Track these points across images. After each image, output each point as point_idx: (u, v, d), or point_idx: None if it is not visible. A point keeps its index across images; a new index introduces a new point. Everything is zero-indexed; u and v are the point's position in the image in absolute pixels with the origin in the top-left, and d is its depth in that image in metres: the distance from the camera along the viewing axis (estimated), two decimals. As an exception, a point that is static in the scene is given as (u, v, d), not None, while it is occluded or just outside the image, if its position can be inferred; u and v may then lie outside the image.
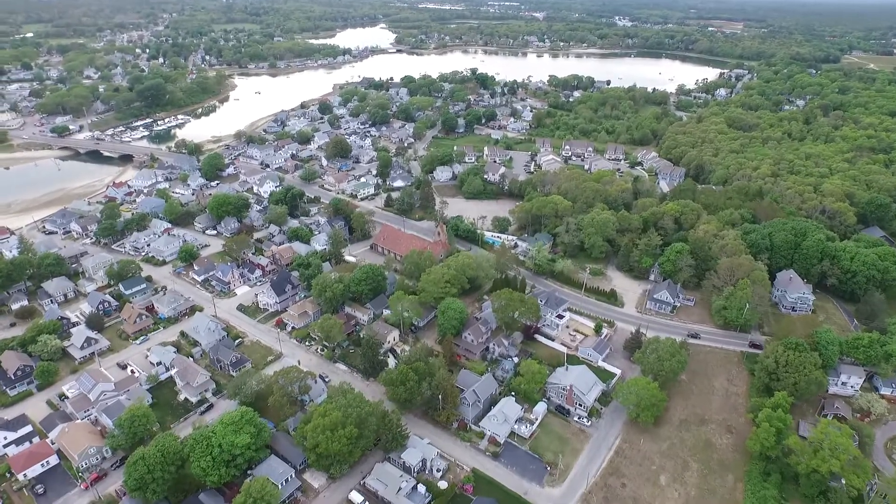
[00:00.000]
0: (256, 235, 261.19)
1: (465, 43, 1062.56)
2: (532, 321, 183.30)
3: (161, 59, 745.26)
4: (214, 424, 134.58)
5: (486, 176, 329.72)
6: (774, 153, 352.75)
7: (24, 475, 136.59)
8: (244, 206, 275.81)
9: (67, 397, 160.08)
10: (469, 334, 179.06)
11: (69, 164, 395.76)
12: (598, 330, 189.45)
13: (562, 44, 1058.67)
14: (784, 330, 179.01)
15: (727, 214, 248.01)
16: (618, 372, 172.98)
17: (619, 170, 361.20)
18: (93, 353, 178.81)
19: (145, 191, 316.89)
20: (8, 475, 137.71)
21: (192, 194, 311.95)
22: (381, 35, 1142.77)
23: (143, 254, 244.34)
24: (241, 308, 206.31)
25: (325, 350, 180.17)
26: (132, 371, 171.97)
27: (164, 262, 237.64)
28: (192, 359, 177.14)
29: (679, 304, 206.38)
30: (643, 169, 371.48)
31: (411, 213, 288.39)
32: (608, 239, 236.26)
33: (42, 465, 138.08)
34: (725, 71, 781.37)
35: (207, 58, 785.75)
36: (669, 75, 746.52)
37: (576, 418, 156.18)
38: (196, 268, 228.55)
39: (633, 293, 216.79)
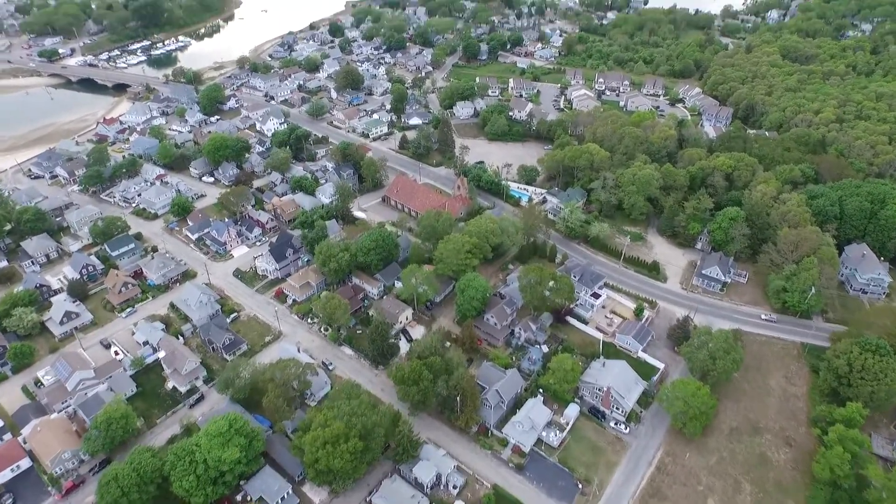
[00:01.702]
0: (257, 183, 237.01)
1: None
2: (564, 302, 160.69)
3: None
4: (199, 435, 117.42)
5: (511, 113, 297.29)
6: (838, 92, 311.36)
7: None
8: (244, 150, 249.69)
9: (43, 384, 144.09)
10: (492, 316, 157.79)
11: (61, 94, 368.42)
12: (638, 313, 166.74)
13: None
14: (857, 320, 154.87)
15: (786, 171, 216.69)
16: (660, 366, 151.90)
17: (658, 108, 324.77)
18: (74, 329, 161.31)
19: (139, 128, 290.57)
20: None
21: (190, 131, 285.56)
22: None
23: (134, 205, 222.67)
24: (238, 274, 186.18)
25: (330, 331, 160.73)
26: (116, 352, 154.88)
27: (155, 216, 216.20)
28: (181, 338, 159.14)
29: (730, 281, 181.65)
30: (685, 107, 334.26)
31: (428, 157, 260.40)
32: (650, 197, 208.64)
33: (12, 470, 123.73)
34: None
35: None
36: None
37: (612, 424, 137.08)
38: (190, 223, 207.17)
39: (677, 265, 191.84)
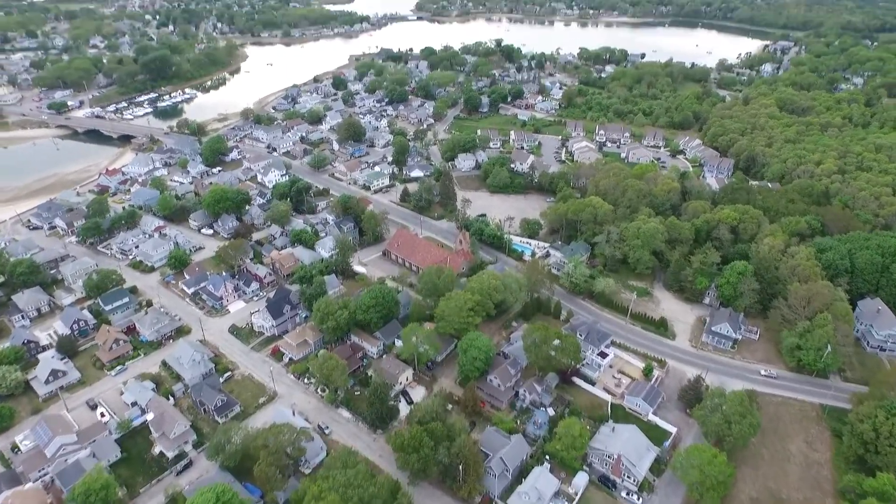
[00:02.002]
0: (256, 236, 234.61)
1: (488, 10, 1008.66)
2: (570, 362, 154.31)
3: (171, 27, 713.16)
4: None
5: (512, 166, 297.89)
6: (837, 143, 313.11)
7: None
8: (244, 202, 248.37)
9: (20, 450, 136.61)
10: (495, 377, 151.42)
11: (67, 144, 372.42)
12: (647, 373, 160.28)
13: (591, 12, 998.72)
14: (878, 380, 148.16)
15: (792, 223, 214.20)
16: (673, 430, 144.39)
17: (659, 160, 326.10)
18: (59, 388, 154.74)
19: (140, 179, 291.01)
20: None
21: (191, 183, 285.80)
22: (401, 0, 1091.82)
23: (131, 257, 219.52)
24: (234, 330, 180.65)
25: (327, 392, 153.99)
26: (102, 414, 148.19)
27: (152, 269, 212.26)
28: (172, 399, 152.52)
29: (741, 338, 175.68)
30: (686, 158, 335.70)
31: (429, 210, 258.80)
32: (655, 251, 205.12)
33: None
34: (769, 43, 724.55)
35: (219, 25, 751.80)
36: (707, 48, 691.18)
37: (624, 493, 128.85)
38: (186, 277, 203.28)
39: (685, 321, 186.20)
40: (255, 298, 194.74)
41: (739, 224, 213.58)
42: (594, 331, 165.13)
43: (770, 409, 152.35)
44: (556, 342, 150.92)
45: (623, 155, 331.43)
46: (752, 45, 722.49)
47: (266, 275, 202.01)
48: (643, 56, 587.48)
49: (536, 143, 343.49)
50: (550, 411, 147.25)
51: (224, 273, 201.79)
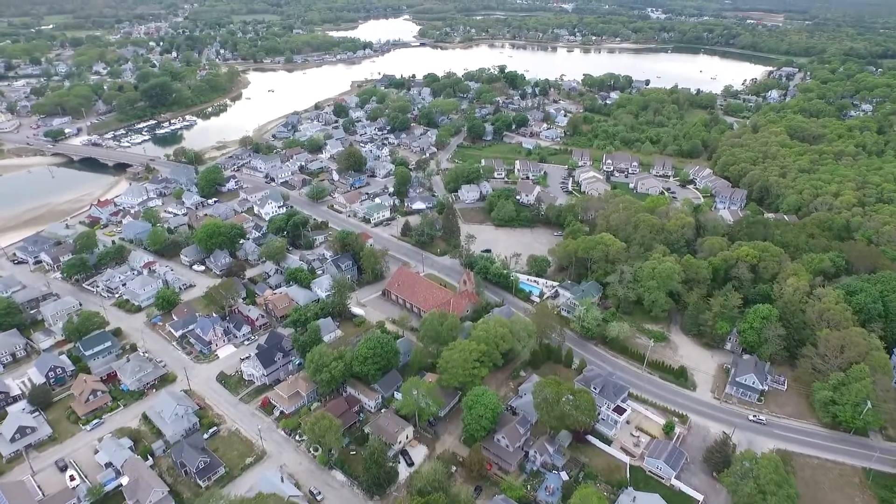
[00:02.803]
0: (249, 273, 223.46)
1: (491, 36, 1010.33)
2: (585, 419, 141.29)
3: (174, 54, 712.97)
4: None
5: (518, 197, 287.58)
6: (854, 173, 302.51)
7: None
8: (238, 236, 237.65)
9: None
10: (503, 437, 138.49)
11: (62, 172, 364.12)
12: (668, 430, 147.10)
13: (593, 38, 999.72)
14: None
15: (815, 261, 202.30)
16: (699, 498, 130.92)
17: (669, 190, 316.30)
18: (27, 447, 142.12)
19: (133, 211, 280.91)
20: None
21: (185, 214, 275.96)
22: (404, 27, 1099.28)
23: (117, 296, 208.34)
24: (222, 379, 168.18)
25: (319, 451, 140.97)
26: (72, 477, 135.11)
27: (138, 309, 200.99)
28: (151, 458, 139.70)
29: (767, 389, 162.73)
30: (696, 188, 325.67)
31: (432, 245, 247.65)
32: (671, 292, 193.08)
33: None
34: (773, 69, 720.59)
35: (222, 51, 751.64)
36: (711, 73, 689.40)
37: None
38: (174, 318, 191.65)
39: (706, 370, 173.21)
40: (246, 343, 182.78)
41: (759, 262, 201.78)
42: (609, 383, 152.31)
43: (806, 473, 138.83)
44: (570, 397, 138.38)
45: (632, 185, 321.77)
46: (756, 71, 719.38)
47: (258, 317, 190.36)
48: (648, 82, 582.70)
49: (542, 172, 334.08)
50: (564, 475, 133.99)
51: (214, 315, 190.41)
